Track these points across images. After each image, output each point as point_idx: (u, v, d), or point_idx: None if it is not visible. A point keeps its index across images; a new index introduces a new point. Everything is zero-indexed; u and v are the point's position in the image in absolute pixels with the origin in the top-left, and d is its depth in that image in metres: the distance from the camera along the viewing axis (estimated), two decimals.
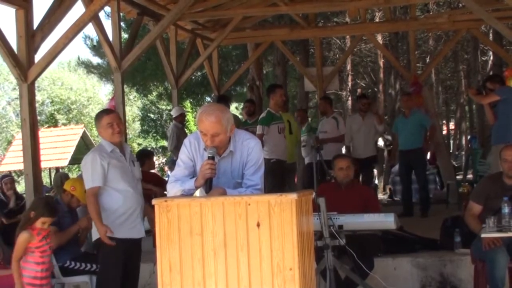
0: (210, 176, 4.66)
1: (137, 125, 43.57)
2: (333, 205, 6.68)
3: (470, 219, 6.84)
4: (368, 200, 7.47)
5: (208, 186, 4.68)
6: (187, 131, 18.80)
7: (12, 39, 8.59)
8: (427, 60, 28.13)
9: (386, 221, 6.78)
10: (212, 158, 4.69)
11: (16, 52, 8.60)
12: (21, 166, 12.93)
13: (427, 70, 18.44)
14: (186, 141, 4.99)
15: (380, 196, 18.79)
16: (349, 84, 28.30)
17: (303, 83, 17.80)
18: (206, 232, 4.24)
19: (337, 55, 27.48)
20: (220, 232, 4.21)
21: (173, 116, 13.85)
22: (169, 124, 26.31)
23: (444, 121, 38.99)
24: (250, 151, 4.87)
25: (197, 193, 4.83)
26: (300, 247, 4.13)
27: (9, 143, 35.65)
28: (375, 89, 28.53)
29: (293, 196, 4.14)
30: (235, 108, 39.58)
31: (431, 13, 22.50)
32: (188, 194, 4.77)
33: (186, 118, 14.86)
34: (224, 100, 12.55)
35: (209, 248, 4.22)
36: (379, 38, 22.92)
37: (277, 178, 10.58)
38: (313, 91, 19.49)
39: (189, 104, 32.59)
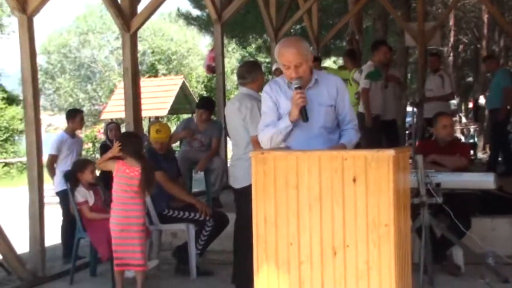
0: (303, 103, 4.72)
1: (235, 77, 43.79)
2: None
3: None
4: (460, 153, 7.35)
5: (305, 115, 4.75)
6: None
7: None
8: None
9: (485, 180, 6.65)
10: (299, 88, 4.77)
11: (119, 2, 8.73)
12: (122, 115, 13.18)
13: None
14: (266, 88, 5.08)
15: (480, 155, 18.44)
16: (451, 40, 27.65)
17: (403, 38, 17.50)
18: (302, 185, 4.24)
19: (440, 10, 26.85)
20: (315, 186, 4.21)
21: (273, 70, 13.87)
22: (268, 77, 26.38)
23: None
24: (339, 85, 5.02)
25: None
26: (396, 204, 4.10)
27: (111, 91, 36.41)
28: (478, 46, 27.81)
29: (390, 152, 4.10)
30: (333, 62, 39.29)
31: None
32: (285, 132, 4.84)
33: None
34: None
35: (304, 202, 4.23)
36: None
37: (374, 135, 10.43)
38: (414, 47, 19.14)
39: None
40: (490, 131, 11.94)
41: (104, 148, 11.00)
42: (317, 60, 12.59)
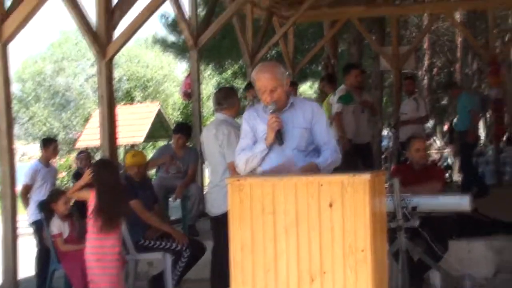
0: (278, 127, 4.79)
1: (211, 103, 43.64)
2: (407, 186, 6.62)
3: None
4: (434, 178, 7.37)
5: (280, 139, 4.81)
6: None
7: (92, 16, 8.71)
8: (506, 39, 27.44)
9: (461, 202, 6.66)
10: (274, 112, 4.83)
11: (95, 29, 8.71)
12: (97, 143, 13.12)
13: (505, 49, 18.03)
14: (244, 114, 5.16)
15: (456, 177, 18.52)
16: (426, 63, 27.85)
17: (378, 62, 17.61)
18: (278, 211, 4.24)
19: (414, 34, 27.05)
20: (292, 212, 4.21)
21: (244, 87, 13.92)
22: (244, 103, 26.35)
23: None
24: (315, 109, 5.07)
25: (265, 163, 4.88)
26: (372, 228, 4.10)
27: (86, 119, 36.22)
28: (452, 69, 28.04)
29: (366, 177, 4.10)
30: (309, 87, 39.40)
31: None
32: (261, 156, 4.89)
33: None
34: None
35: (281, 228, 4.22)
36: (457, 16, 22.49)
37: (350, 158, 10.44)
38: (388, 70, 19.26)
39: None
40: (459, 153, 12.11)
41: (77, 176, 10.94)
42: (294, 84, 12.63)
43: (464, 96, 12.33)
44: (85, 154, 11.61)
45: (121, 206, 6.69)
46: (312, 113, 5.01)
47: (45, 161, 9.53)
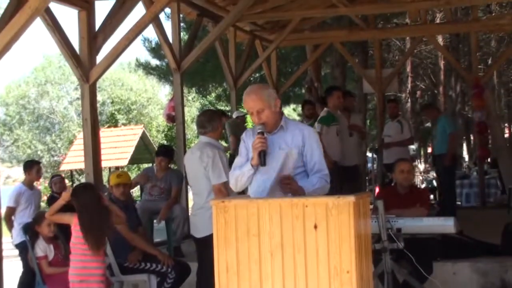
0: (261, 149, 4.82)
1: (195, 126, 43.61)
2: (392, 208, 6.63)
3: None
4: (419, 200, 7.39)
5: (263, 160, 4.82)
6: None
7: (75, 41, 8.73)
8: (489, 62, 27.68)
9: (445, 224, 6.69)
10: (261, 133, 4.87)
11: (78, 53, 8.72)
12: (82, 165, 13.08)
13: (489, 72, 18.09)
14: (243, 134, 5.23)
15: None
16: (409, 86, 28.02)
17: (361, 85, 17.68)
18: (263, 233, 4.24)
19: (397, 57, 27.24)
20: (277, 234, 4.21)
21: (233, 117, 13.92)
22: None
23: (506, 124, 38.31)
24: (307, 134, 5.05)
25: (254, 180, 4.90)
26: (357, 250, 4.10)
27: (71, 142, 36.14)
28: (435, 91, 28.21)
29: (351, 198, 4.11)
30: (292, 109, 39.50)
31: (493, 14, 22.16)
32: (248, 175, 4.93)
33: (245, 120, 14.88)
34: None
35: (266, 250, 4.22)
36: (440, 39, 22.66)
37: (337, 180, 10.46)
38: (372, 93, 19.35)
39: None
40: (440, 177, 12.12)
41: (52, 200, 10.89)
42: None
43: (444, 119, 12.40)
44: (59, 178, 11.56)
45: (104, 227, 6.66)
46: (302, 137, 5.01)
47: (29, 183, 9.49)
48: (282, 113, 5.17)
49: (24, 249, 8.57)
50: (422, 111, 13.55)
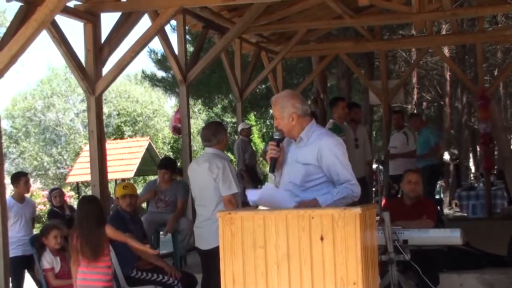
0: (272, 155, 4.89)
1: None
2: (398, 220, 6.62)
3: None
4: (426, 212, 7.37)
5: (272, 167, 4.93)
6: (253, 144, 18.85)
7: (80, 53, 8.76)
8: (495, 73, 27.65)
9: (452, 236, 6.67)
10: (277, 140, 4.94)
11: (84, 66, 8.75)
12: (88, 178, 13.08)
13: (495, 83, 18.06)
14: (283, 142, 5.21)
15: (446, 211, 18.54)
16: (415, 97, 28.00)
17: (367, 96, 17.68)
18: (269, 245, 4.23)
19: (403, 68, 27.23)
20: (283, 245, 4.20)
21: (239, 130, 13.95)
22: (234, 137, 26.40)
23: None
24: (324, 146, 4.93)
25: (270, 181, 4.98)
26: (364, 262, 4.10)
27: (77, 154, 36.20)
28: (441, 103, 28.18)
29: (357, 210, 4.11)
30: None
31: (499, 25, 22.15)
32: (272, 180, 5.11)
33: (251, 132, 14.85)
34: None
35: (272, 261, 4.21)
36: (446, 50, 22.66)
37: None
38: (378, 104, 19.34)
39: (253, 117, 32.65)
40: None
41: (52, 214, 10.85)
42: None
43: (427, 130, 12.53)
44: (59, 191, 11.52)
45: (102, 240, 6.65)
46: (318, 150, 4.92)
47: (18, 196, 9.27)
48: (311, 122, 5.05)
49: (18, 264, 8.57)
50: (408, 120, 13.58)
